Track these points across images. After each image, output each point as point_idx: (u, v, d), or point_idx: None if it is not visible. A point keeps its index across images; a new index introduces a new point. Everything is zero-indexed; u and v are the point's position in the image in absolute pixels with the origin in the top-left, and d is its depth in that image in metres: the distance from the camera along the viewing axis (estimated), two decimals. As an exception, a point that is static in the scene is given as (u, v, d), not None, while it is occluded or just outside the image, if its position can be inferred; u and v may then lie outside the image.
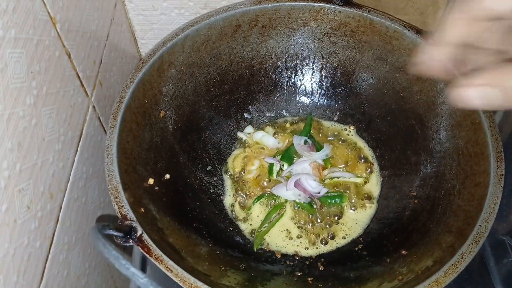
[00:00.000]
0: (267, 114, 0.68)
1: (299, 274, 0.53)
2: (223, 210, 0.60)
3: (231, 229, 0.58)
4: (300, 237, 0.57)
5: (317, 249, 0.56)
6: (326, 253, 0.56)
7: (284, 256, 0.56)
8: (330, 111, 0.68)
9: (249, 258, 0.54)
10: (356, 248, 0.56)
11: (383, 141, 0.64)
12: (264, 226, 0.57)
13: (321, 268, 0.54)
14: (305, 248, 0.56)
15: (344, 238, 0.57)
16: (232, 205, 0.60)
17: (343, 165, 0.63)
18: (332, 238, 0.57)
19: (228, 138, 0.65)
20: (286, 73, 0.67)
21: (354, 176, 0.61)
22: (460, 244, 0.44)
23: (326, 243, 0.57)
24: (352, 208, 0.59)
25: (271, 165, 0.62)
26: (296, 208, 0.59)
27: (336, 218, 0.59)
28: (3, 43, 0.36)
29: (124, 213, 0.44)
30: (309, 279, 0.52)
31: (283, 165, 0.62)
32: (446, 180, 0.54)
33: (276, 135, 0.66)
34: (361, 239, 0.57)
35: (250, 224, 0.58)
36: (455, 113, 0.55)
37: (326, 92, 0.67)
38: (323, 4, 0.60)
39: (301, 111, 0.68)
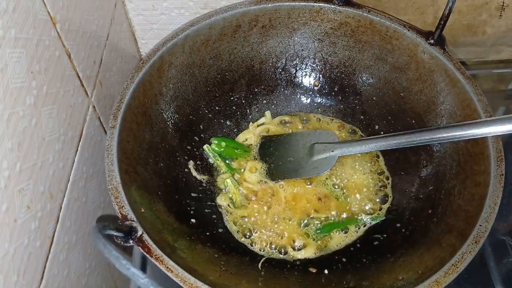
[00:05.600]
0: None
1: (298, 274, 0.53)
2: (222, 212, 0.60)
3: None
4: (301, 242, 0.57)
5: (315, 248, 0.56)
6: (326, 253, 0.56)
7: (284, 256, 0.56)
8: (330, 111, 0.67)
9: (250, 258, 0.55)
10: (355, 249, 0.56)
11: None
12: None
13: (321, 268, 0.54)
14: (303, 248, 0.56)
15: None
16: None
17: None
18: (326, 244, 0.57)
19: (228, 138, 0.65)
20: (286, 73, 0.67)
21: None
22: (460, 244, 0.44)
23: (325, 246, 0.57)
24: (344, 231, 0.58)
25: None
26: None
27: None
28: (3, 43, 0.36)
29: (124, 213, 0.44)
30: (308, 281, 0.52)
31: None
32: (446, 180, 0.54)
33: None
34: (360, 239, 0.57)
35: (242, 228, 0.58)
36: (455, 113, 0.55)
37: (326, 92, 0.67)
38: (323, 4, 0.60)
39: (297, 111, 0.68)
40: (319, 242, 0.56)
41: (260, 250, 0.56)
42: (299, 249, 0.56)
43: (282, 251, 0.56)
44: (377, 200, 0.60)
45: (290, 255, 0.56)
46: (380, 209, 0.59)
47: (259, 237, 0.57)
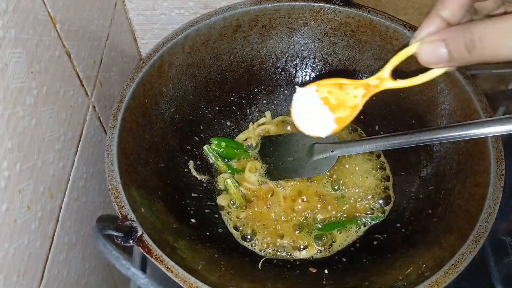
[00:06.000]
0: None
1: (298, 274, 0.53)
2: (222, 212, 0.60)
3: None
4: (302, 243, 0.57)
5: (316, 249, 0.56)
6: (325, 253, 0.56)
7: (283, 257, 0.56)
8: (330, 111, 0.67)
9: (250, 258, 0.55)
10: (355, 249, 0.56)
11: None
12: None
13: (321, 268, 0.54)
14: (303, 249, 0.56)
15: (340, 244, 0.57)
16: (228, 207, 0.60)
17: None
18: (332, 243, 0.57)
19: (228, 138, 0.65)
20: (286, 73, 0.67)
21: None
22: (460, 244, 0.44)
23: (328, 247, 0.57)
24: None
25: None
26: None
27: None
28: (3, 43, 0.36)
29: (124, 213, 0.44)
30: (308, 281, 0.52)
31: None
32: (446, 180, 0.54)
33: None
34: (360, 239, 0.57)
35: (242, 228, 0.58)
36: (455, 113, 0.55)
37: (326, 92, 0.67)
38: (323, 4, 0.60)
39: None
40: (320, 242, 0.56)
41: (260, 251, 0.56)
42: (299, 249, 0.56)
43: (282, 251, 0.56)
44: (378, 200, 0.60)
45: (291, 255, 0.56)
46: (382, 210, 0.59)
47: (259, 237, 0.57)
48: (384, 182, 0.61)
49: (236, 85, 0.65)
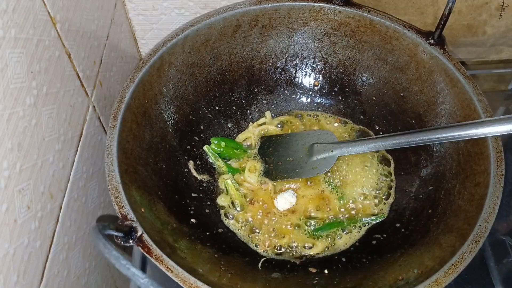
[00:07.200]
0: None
1: (298, 274, 0.53)
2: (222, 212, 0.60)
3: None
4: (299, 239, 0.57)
5: (317, 249, 0.56)
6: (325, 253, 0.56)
7: (284, 257, 0.56)
8: (330, 111, 0.68)
9: (250, 258, 0.55)
10: (355, 248, 0.56)
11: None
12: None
13: (320, 268, 0.54)
14: (304, 248, 0.56)
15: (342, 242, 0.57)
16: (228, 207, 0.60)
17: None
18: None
19: (228, 138, 0.65)
20: (286, 73, 0.67)
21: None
22: (460, 244, 0.44)
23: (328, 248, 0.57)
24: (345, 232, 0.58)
25: None
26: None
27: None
28: (3, 43, 0.36)
29: (124, 213, 0.44)
30: (308, 281, 0.52)
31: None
32: (446, 180, 0.54)
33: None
34: (360, 239, 0.57)
35: (242, 228, 0.58)
36: (455, 113, 0.55)
37: (326, 92, 0.67)
38: (323, 4, 0.60)
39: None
40: (320, 242, 0.56)
41: (263, 252, 0.56)
42: (300, 249, 0.56)
43: (283, 251, 0.56)
44: (378, 199, 0.60)
45: (291, 255, 0.56)
46: (382, 210, 0.59)
47: (259, 237, 0.57)
48: (384, 181, 0.61)
49: (236, 85, 0.65)
